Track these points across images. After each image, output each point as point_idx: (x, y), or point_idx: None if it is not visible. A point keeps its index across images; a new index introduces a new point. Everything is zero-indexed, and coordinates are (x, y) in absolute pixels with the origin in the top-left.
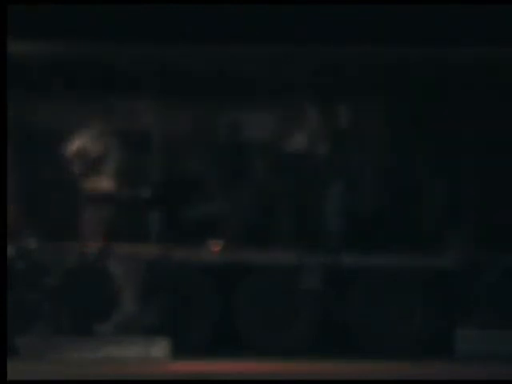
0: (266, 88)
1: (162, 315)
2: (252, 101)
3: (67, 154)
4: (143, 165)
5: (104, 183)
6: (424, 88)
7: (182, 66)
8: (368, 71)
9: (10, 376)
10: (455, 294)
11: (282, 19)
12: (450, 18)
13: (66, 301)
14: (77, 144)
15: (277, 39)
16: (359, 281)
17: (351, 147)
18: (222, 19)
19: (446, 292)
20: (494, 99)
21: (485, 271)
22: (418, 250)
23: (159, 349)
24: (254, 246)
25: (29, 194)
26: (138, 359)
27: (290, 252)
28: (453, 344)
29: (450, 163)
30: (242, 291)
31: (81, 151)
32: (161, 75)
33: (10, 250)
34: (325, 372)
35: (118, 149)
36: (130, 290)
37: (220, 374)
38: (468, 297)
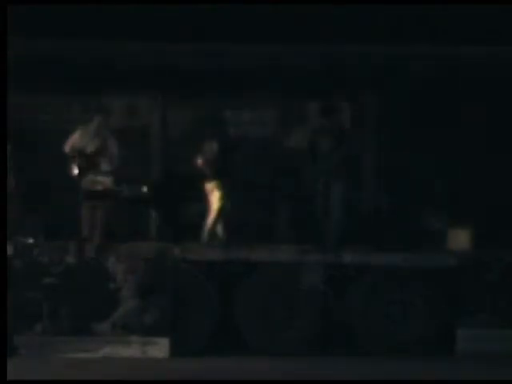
0: (266, 87)
1: (162, 314)
2: (252, 99)
3: (66, 152)
4: (142, 162)
5: (103, 181)
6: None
7: (180, 63)
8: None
9: (10, 376)
10: (455, 293)
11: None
12: None
13: (65, 300)
14: (75, 141)
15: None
16: (360, 280)
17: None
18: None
19: (446, 291)
20: None
21: (485, 271)
22: (418, 249)
23: (159, 348)
24: (254, 244)
25: (28, 192)
26: (138, 359)
27: (290, 250)
28: (453, 343)
29: (450, 162)
30: (242, 290)
31: (79, 149)
32: (160, 73)
33: (10, 249)
34: (324, 372)
35: (116, 146)
36: (129, 289)
37: (220, 373)
38: (468, 296)
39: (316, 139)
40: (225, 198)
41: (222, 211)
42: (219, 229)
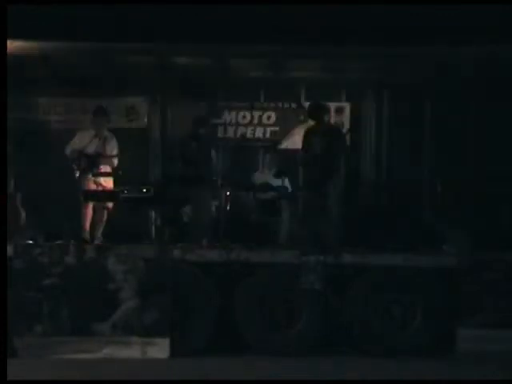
0: (266, 87)
1: (162, 315)
2: (252, 99)
3: (66, 152)
4: (142, 163)
5: (103, 182)
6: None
7: (179, 64)
8: None
9: (10, 376)
10: (455, 293)
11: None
12: None
13: (66, 301)
14: (75, 143)
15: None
16: (359, 280)
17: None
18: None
19: (446, 291)
20: None
21: (485, 271)
22: (418, 249)
23: (159, 349)
24: (254, 245)
25: (28, 192)
26: (138, 359)
27: (290, 251)
28: (453, 343)
29: (450, 162)
30: (242, 290)
31: (79, 150)
32: (160, 73)
33: (10, 249)
34: (324, 372)
35: (116, 147)
36: (129, 289)
37: (220, 373)
38: (468, 296)
39: (313, 139)
40: (210, 198)
41: (207, 212)
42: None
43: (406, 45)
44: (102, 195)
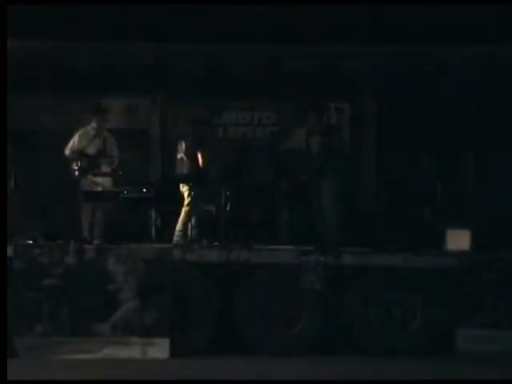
0: (265, 87)
1: (162, 315)
2: (251, 99)
3: (66, 153)
4: (142, 163)
5: (102, 182)
6: None
7: (178, 64)
8: None
9: (10, 376)
10: (455, 293)
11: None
12: None
13: (66, 301)
14: (75, 143)
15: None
16: (359, 280)
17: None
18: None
19: (446, 292)
20: None
21: (485, 271)
22: (418, 249)
23: (159, 349)
24: (254, 245)
25: (28, 193)
26: (138, 360)
27: (290, 251)
28: (453, 343)
29: (451, 162)
30: (242, 291)
31: (79, 150)
32: (160, 73)
33: (10, 250)
34: (324, 372)
35: (116, 147)
36: (129, 289)
37: (220, 373)
38: (468, 296)
39: (311, 139)
40: (196, 199)
41: (191, 213)
42: (189, 230)
43: (406, 45)
44: (102, 195)
